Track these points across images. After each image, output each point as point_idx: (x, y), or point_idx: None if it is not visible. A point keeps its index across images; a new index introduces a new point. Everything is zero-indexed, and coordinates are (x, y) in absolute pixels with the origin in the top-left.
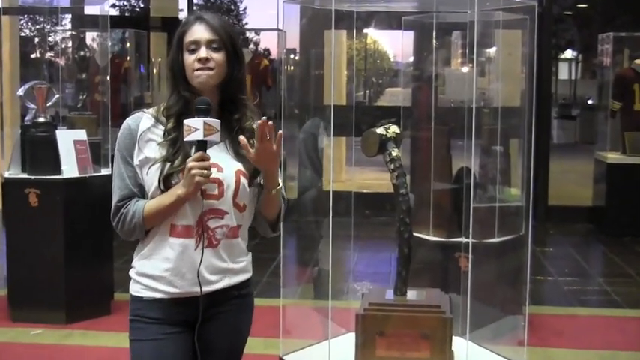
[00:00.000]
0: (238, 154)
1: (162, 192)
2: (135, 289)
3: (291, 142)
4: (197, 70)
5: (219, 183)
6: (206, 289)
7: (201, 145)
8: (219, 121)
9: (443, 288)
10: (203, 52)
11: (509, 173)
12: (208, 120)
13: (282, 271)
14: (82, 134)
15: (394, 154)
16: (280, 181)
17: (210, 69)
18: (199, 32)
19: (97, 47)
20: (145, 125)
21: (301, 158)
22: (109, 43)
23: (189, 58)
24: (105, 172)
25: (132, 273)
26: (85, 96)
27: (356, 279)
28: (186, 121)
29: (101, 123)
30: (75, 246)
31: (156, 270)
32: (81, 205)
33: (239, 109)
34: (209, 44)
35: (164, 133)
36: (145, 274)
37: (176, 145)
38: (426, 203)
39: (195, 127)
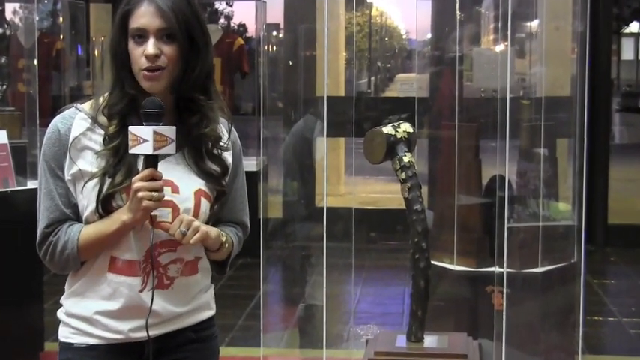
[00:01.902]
0: (199, 167)
1: (101, 216)
2: (64, 334)
3: (274, 145)
4: (144, 69)
5: (174, 208)
6: (154, 332)
7: (151, 161)
8: (174, 128)
9: (471, 332)
10: (151, 47)
11: (557, 183)
12: (160, 128)
13: (263, 312)
14: (1, 136)
15: (406, 159)
16: (223, 238)
17: (160, 69)
18: (147, 17)
19: (21, 22)
20: (78, 128)
21: (290, 168)
22: (36, 17)
23: (135, 50)
24: (32, 185)
25: (60, 314)
26: (4, 86)
27: (358, 321)
28: (131, 129)
29: (27, 122)
30: None
31: (89, 311)
32: (0, 228)
33: (199, 109)
34: (159, 33)
35: (104, 139)
36: (75, 315)
37: (118, 154)
38: (449, 223)
39: (143, 138)
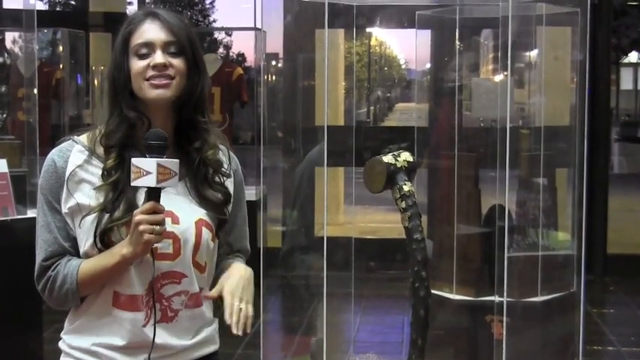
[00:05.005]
0: (201, 195)
1: (100, 250)
2: None
3: (273, 174)
4: (150, 79)
5: (175, 238)
6: None
7: (154, 193)
8: (177, 161)
9: None
10: (159, 57)
11: (556, 213)
12: (164, 161)
13: (263, 341)
14: (1, 165)
15: (406, 188)
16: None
17: (170, 78)
18: (153, 32)
19: (21, 52)
20: (75, 160)
21: (305, 194)
22: (36, 47)
23: (138, 64)
24: (32, 213)
25: (62, 345)
26: (4, 115)
27: (358, 350)
28: (134, 161)
29: (26, 150)
30: None
31: (93, 345)
32: (0, 257)
33: (199, 134)
34: (166, 47)
35: (102, 173)
36: (78, 347)
37: (117, 189)
38: (448, 252)
39: (146, 170)
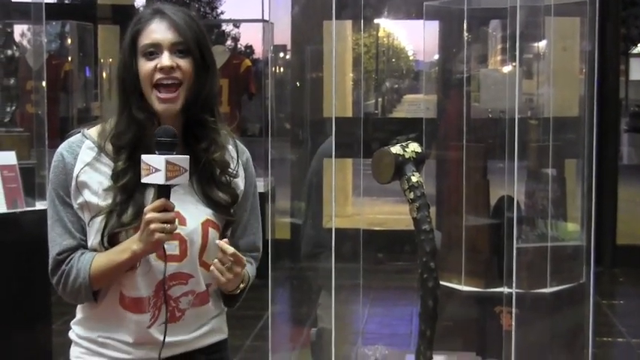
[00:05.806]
0: (207, 195)
1: (106, 249)
2: (75, 354)
3: (281, 166)
4: (157, 84)
5: (181, 240)
6: (163, 354)
7: (164, 191)
8: (187, 157)
9: (479, 352)
10: (166, 59)
11: (565, 203)
12: (173, 158)
13: (271, 332)
14: (10, 157)
15: (414, 179)
16: (242, 285)
17: (176, 83)
18: (160, 32)
19: (29, 44)
20: (84, 157)
21: (317, 186)
22: (45, 39)
23: (146, 66)
24: (40, 205)
25: (72, 334)
26: (13, 108)
27: (366, 342)
28: (144, 157)
29: (35, 143)
30: (1, 302)
31: (101, 337)
32: (9, 249)
33: (207, 134)
34: (173, 48)
35: (112, 176)
36: (86, 337)
37: (127, 192)
38: (457, 243)
39: (155, 167)
